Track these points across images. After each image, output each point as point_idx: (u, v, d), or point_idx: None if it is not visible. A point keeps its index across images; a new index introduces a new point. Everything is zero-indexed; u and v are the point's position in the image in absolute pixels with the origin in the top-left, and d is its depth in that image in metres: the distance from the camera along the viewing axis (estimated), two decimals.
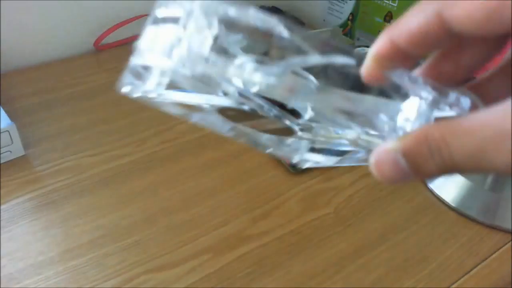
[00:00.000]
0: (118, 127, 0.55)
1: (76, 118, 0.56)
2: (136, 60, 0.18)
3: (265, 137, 0.20)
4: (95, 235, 0.42)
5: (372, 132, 0.20)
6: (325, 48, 0.19)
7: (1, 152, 0.49)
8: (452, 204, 0.46)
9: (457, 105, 0.19)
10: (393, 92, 0.20)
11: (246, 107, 0.18)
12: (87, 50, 0.71)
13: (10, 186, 0.47)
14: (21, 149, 0.50)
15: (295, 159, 0.21)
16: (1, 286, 0.38)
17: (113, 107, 0.59)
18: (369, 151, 0.20)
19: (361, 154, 0.21)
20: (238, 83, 0.18)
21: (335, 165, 0.21)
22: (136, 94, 0.18)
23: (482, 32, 0.19)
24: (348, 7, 0.74)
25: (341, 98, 0.20)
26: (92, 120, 0.56)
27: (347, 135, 0.20)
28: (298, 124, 0.20)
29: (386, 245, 0.42)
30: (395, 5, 0.66)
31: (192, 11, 0.17)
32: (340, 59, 0.19)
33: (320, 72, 0.20)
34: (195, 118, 0.19)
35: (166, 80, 0.18)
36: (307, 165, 0.21)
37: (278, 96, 0.19)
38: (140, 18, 0.73)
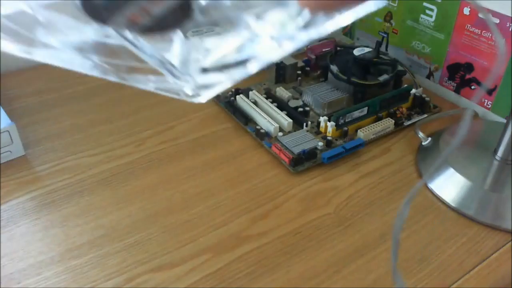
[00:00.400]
0: (118, 127, 0.55)
1: (76, 118, 0.56)
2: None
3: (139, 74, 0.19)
4: (95, 235, 0.42)
5: None
6: None
7: (1, 152, 0.49)
8: (452, 204, 0.46)
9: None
10: None
11: (112, 42, 0.17)
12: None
13: (10, 186, 0.47)
14: (21, 149, 0.50)
15: (188, 91, 0.19)
16: (1, 286, 0.38)
17: (113, 107, 0.59)
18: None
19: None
20: None
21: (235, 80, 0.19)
22: None
23: None
24: None
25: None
26: (92, 120, 0.56)
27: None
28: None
29: (386, 245, 0.42)
30: (395, 5, 0.66)
31: None
32: None
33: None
34: (40, 56, 0.18)
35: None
36: (206, 94, 0.19)
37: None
38: None
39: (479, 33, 0.58)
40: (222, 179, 0.49)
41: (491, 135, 0.52)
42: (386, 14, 0.68)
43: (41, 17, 0.17)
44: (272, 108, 0.56)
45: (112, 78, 0.18)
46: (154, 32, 0.17)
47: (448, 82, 0.64)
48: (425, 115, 0.59)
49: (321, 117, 0.54)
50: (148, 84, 0.18)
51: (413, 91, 0.59)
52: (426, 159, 0.51)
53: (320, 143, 0.52)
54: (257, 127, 0.54)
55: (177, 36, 0.18)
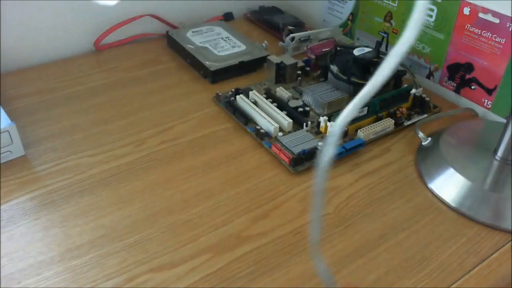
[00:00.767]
0: (118, 127, 0.55)
1: (76, 118, 0.56)
2: None
3: None
4: (95, 235, 0.42)
5: None
6: None
7: (1, 152, 0.49)
8: (452, 204, 0.46)
9: None
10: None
11: None
12: (87, 50, 0.71)
13: (10, 186, 0.47)
14: (21, 149, 0.50)
15: None
16: (1, 286, 0.38)
17: (113, 107, 0.59)
18: None
19: None
20: None
21: None
22: None
23: None
24: (348, 7, 0.74)
25: None
26: (92, 120, 0.56)
27: None
28: None
29: (386, 245, 0.42)
30: (395, 5, 0.66)
31: None
32: None
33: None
34: None
35: None
36: None
37: None
38: (140, 18, 0.73)
39: (479, 33, 0.58)
40: (222, 179, 0.49)
41: (491, 135, 0.52)
42: (386, 14, 0.68)
43: None
44: (272, 108, 0.56)
45: None
46: None
47: (448, 82, 0.64)
48: (425, 115, 0.59)
49: (321, 117, 0.54)
50: None
51: (413, 91, 0.59)
52: (426, 159, 0.51)
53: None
54: (257, 127, 0.54)
55: None
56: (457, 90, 0.63)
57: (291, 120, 0.54)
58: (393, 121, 0.56)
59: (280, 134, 0.53)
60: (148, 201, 0.46)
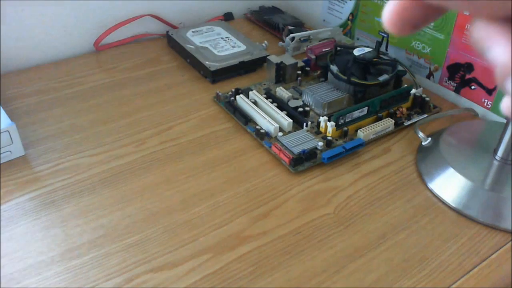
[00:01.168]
0: (118, 127, 0.55)
1: (76, 118, 0.56)
2: None
3: None
4: (95, 235, 0.42)
5: None
6: None
7: (1, 152, 0.49)
8: (452, 204, 0.46)
9: None
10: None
11: None
12: (87, 50, 0.71)
13: (10, 186, 0.47)
14: (21, 149, 0.50)
15: None
16: (1, 286, 0.38)
17: (113, 107, 0.59)
18: None
19: None
20: None
21: None
22: None
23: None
24: (348, 7, 0.74)
25: None
26: (92, 120, 0.56)
27: None
28: None
29: (386, 245, 0.42)
30: None
31: None
32: None
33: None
34: None
35: None
36: None
37: None
38: (140, 18, 0.73)
39: None
40: (222, 179, 0.49)
41: (491, 135, 0.52)
42: None
43: None
44: (272, 108, 0.56)
45: None
46: None
47: (448, 82, 0.64)
48: (425, 115, 0.59)
49: (321, 117, 0.54)
50: None
51: (413, 91, 0.59)
52: (426, 159, 0.51)
53: (320, 143, 0.52)
54: (257, 127, 0.54)
55: None
56: (457, 90, 0.63)
57: (291, 120, 0.54)
58: (393, 121, 0.56)
59: (280, 134, 0.53)
60: (148, 201, 0.46)
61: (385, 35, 0.61)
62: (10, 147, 0.49)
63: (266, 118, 0.54)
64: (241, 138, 0.54)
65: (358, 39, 0.75)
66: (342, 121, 0.54)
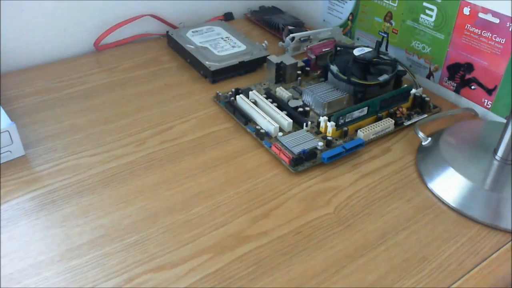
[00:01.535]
0: (118, 127, 0.55)
1: (76, 118, 0.56)
2: None
3: None
4: (95, 235, 0.42)
5: None
6: None
7: (1, 152, 0.49)
8: (452, 204, 0.46)
9: None
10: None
11: None
12: (87, 50, 0.71)
13: (10, 186, 0.47)
14: (21, 149, 0.50)
15: None
16: (1, 286, 0.38)
17: (113, 107, 0.59)
18: None
19: None
20: None
21: None
22: None
23: None
24: (348, 7, 0.74)
25: None
26: (92, 120, 0.56)
27: None
28: None
29: (386, 245, 0.42)
30: (395, 5, 0.66)
31: None
32: None
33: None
34: None
35: None
36: None
37: None
38: (140, 18, 0.73)
39: (479, 33, 0.58)
40: (222, 179, 0.49)
41: (491, 135, 0.52)
42: (386, 14, 0.68)
43: None
44: (272, 108, 0.56)
45: None
46: None
47: (448, 82, 0.64)
48: (425, 115, 0.59)
49: (321, 117, 0.54)
50: None
51: (413, 91, 0.59)
52: (426, 159, 0.51)
53: (320, 143, 0.52)
54: (257, 127, 0.54)
55: None
56: (457, 90, 0.63)
57: (291, 120, 0.54)
58: (393, 121, 0.56)
59: (280, 134, 0.53)
60: (148, 201, 0.46)
61: (385, 35, 0.61)
62: (10, 147, 0.49)
63: (266, 118, 0.54)
64: (241, 138, 0.54)
65: (358, 39, 0.75)
66: (342, 121, 0.54)
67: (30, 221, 0.43)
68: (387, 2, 0.67)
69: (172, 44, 0.71)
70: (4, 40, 0.64)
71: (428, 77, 0.66)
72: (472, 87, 0.61)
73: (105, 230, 0.43)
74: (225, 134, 0.55)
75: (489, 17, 0.56)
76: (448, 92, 0.64)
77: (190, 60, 0.67)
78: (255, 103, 0.57)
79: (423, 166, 0.51)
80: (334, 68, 0.59)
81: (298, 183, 0.49)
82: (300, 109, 0.57)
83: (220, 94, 0.60)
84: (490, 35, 0.56)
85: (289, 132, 0.54)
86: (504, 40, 0.55)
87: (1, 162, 0.49)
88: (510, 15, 0.54)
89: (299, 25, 0.76)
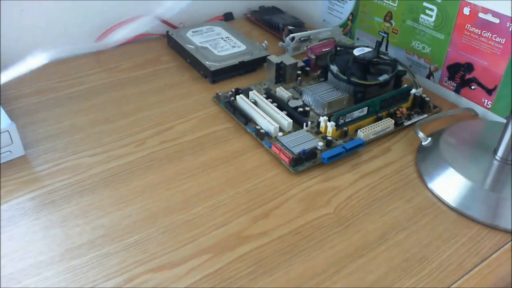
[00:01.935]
0: (118, 127, 0.55)
1: (76, 118, 0.56)
2: None
3: None
4: (95, 235, 0.42)
5: None
6: None
7: (1, 152, 0.49)
8: (452, 204, 0.46)
9: None
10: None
11: None
12: (87, 50, 0.71)
13: (10, 186, 0.47)
14: (21, 149, 0.50)
15: None
16: (1, 286, 0.38)
17: (113, 107, 0.59)
18: None
19: None
20: None
21: None
22: None
23: None
24: (348, 7, 0.74)
25: None
26: (92, 120, 0.56)
27: None
28: None
29: (386, 245, 0.42)
30: (395, 5, 0.66)
31: None
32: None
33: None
34: None
35: None
36: None
37: None
38: (140, 18, 0.73)
39: (479, 33, 0.58)
40: (222, 179, 0.49)
41: (491, 135, 0.52)
42: (386, 14, 0.68)
43: None
44: (272, 108, 0.56)
45: None
46: None
47: (448, 82, 0.64)
48: (425, 115, 0.59)
49: (321, 117, 0.54)
50: None
51: (413, 91, 0.59)
52: (426, 159, 0.51)
53: (320, 143, 0.52)
54: (257, 127, 0.54)
55: None
56: (457, 90, 0.63)
57: (291, 120, 0.54)
58: (393, 121, 0.56)
59: (280, 134, 0.53)
60: (148, 201, 0.46)
61: (385, 35, 0.61)
62: (10, 147, 0.49)
63: (266, 118, 0.54)
64: (241, 138, 0.54)
65: (358, 39, 0.75)
66: (342, 121, 0.54)
67: (30, 221, 0.43)
68: (387, 2, 0.67)
69: (172, 44, 0.71)
70: (4, 40, 0.64)
71: (428, 77, 0.66)
72: (472, 87, 0.61)
73: (105, 230, 0.43)
74: (225, 134, 0.55)
75: (489, 17, 0.56)
76: (448, 92, 0.64)
77: (190, 60, 0.67)
78: (255, 103, 0.57)
79: (423, 166, 0.51)
80: (334, 68, 0.59)
81: (298, 183, 0.49)
82: (300, 109, 0.57)
83: (220, 94, 0.60)
84: (490, 35, 0.56)
85: (289, 132, 0.54)
86: (504, 40, 0.55)
87: (1, 162, 0.49)
88: (510, 15, 0.54)
89: (299, 25, 0.76)
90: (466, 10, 0.58)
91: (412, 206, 0.46)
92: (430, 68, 0.65)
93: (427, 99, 0.59)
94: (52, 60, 0.68)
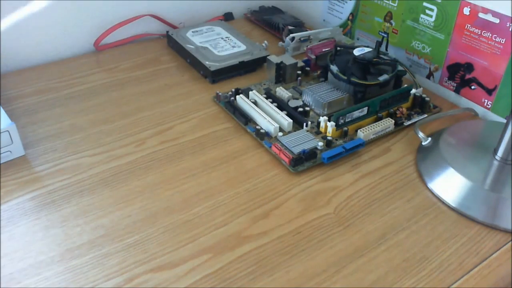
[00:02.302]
0: (118, 127, 0.55)
1: (76, 118, 0.56)
2: None
3: None
4: (95, 235, 0.42)
5: None
6: None
7: (1, 152, 0.49)
8: (452, 204, 0.46)
9: None
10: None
11: None
12: (87, 50, 0.71)
13: (10, 186, 0.47)
14: (21, 149, 0.50)
15: None
16: (1, 286, 0.38)
17: (113, 107, 0.59)
18: None
19: None
20: None
21: None
22: None
23: None
24: (348, 7, 0.74)
25: None
26: (92, 120, 0.56)
27: None
28: None
29: (386, 245, 0.42)
30: (395, 5, 0.66)
31: None
32: None
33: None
34: None
35: None
36: None
37: None
38: (140, 18, 0.73)
39: (479, 33, 0.58)
40: (222, 179, 0.49)
41: (491, 135, 0.52)
42: (386, 14, 0.68)
43: None
44: (272, 108, 0.56)
45: None
46: None
47: (448, 82, 0.64)
48: (425, 115, 0.59)
49: (321, 117, 0.54)
50: None
51: (413, 91, 0.59)
52: (426, 159, 0.51)
53: (320, 143, 0.52)
54: (257, 127, 0.54)
55: None
56: (457, 90, 0.63)
57: (291, 120, 0.54)
58: (393, 121, 0.56)
59: (280, 134, 0.53)
60: (148, 201, 0.46)
61: (385, 35, 0.61)
62: (10, 147, 0.49)
63: (266, 118, 0.54)
64: (241, 138, 0.54)
65: (358, 39, 0.75)
66: (342, 121, 0.54)
67: (30, 221, 0.43)
68: (387, 2, 0.67)
69: (172, 44, 0.71)
70: (4, 40, 0.64)
71: (428, 77, 0.66)
72: (472, 87, 0.61)
73: (105, 230, 0.43)
74: (225, 134, 0.55)
75: (489, 17, 0.56)
76: (448, 92, 0.64)
77: (190, 60, 0.67)
78: (255, 103, 0.57)
79: (423, 166, 0.51)
80: (334, 68, 0.59)
81: (298, 183, 0.49)
82: (300, 109, 0.57)
83: (220, 94, 0.60)
84: (490, 35, 0.56)
85: (289, 132, 0.54)
86: (504, 40, 0.55)
87: (1, 162, 0.49)
88: (510, 15, 0.54)
89: (299, 25, 0.76)
90: (466, 10, 0.58)
91: (412, 206, 0.46)
92: (430, 68, 0.65)
93: (427, 99, 0.59)
94: (52, 60, 0.68)
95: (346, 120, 0.54)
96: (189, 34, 0.71)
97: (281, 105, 0.57)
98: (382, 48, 0.66)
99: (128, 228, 0.43)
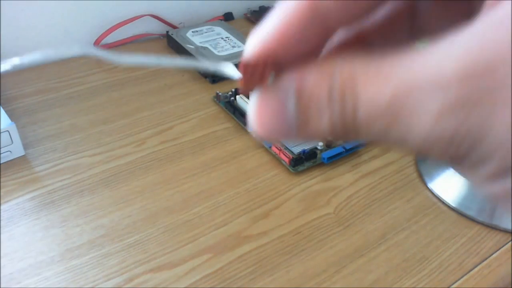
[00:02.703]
0: (118, 127, 0.55)
1: (76, 118, 0.56)
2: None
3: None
4: (95, 235, 0.42)
5: None
6: None
7: (1, 152, 0.49)
8: (452, 204, 0.46)
9: None
10: None
11: None
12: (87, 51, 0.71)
13: (10, 186, 0.47)
14: (21, 149, 0.50)
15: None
16: (1, 286, 0.38)
17: (113, 107, 0.59)
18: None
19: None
20: None
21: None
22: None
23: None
24: None
25: None
26: (92, 120, 0.56)
27: None
28: None
29: (386, 245, 0.42)
30: None
31: None
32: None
33: None
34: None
35: None
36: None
37: None
38: (140, 18, 0.73)
39: None
40: (222, 179, 0.49)
41: None
42: None
43: None
44: None
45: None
46: None
47: None
48: None
49: None
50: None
51: None
52: (426, 159, 0.51)
53: (320, 143, 0.52)
54: None
55: None
56: None
57: None
58: None
59: None
60: (148, 201, 0.46)
61: None
62: (10, 147, 0.49)
63: None
64: (241, 138, 0.54)
65: None
66: None
67: (30, 221, 0.43)
68: None
69: (172, 44, 0.71)
70: (4, 40, 0.64)
71: None
72: None
73: (105, 230, 0.43)
74: (225, 134, 0.55)
75: None
76: None
77: None
78: None
79: (423, 166, 0.51)
80: None
81: (298, 183, 0.49)
82: None
83: (220, 94, 0.60)
84: None
85: None
86: None
87: (1, 162, 0.49)
88: None
89: None
90: None
91: (412, 206, 0.46)
92: None
93: None
94: (52, 60, 0.68)
95: None
96: (189, 34, 0.71)
97: None
98: None
99: (128, 228, 0.43)
